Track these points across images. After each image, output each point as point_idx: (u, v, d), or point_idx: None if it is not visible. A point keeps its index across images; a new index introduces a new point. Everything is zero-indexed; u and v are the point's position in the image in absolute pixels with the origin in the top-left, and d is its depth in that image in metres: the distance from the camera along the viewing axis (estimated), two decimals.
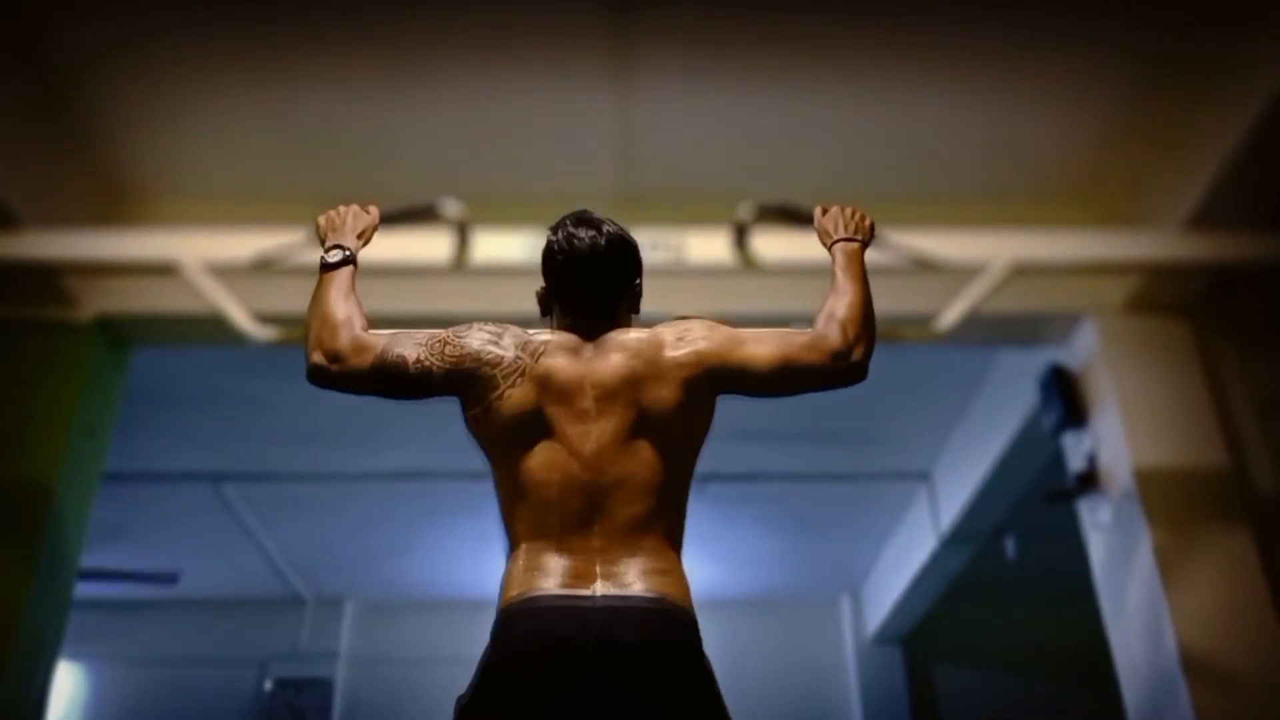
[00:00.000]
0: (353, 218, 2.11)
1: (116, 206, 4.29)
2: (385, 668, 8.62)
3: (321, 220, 2.13)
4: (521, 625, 1.69)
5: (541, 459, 1.79)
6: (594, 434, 1.80)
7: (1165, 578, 3.91)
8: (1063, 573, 5.73)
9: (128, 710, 8.42)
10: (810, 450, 6.19)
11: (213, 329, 3.97)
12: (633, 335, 1.91)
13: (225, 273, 3.78)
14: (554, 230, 1.93)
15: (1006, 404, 5.18)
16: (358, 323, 1.90)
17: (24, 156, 3.96)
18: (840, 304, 1.97)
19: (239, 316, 3.74)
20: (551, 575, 1.71)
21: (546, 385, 1.82)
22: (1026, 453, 5.17)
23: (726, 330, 1.93)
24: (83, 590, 6.25)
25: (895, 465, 6.51)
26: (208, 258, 3.72)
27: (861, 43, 3.88)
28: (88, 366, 4.31)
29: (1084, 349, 4.42)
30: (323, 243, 2.08)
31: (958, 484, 6.05)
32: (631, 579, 1.72)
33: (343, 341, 1.87)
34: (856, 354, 1.91)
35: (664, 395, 1.84)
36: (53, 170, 4.13)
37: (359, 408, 5.43)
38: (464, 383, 1.84)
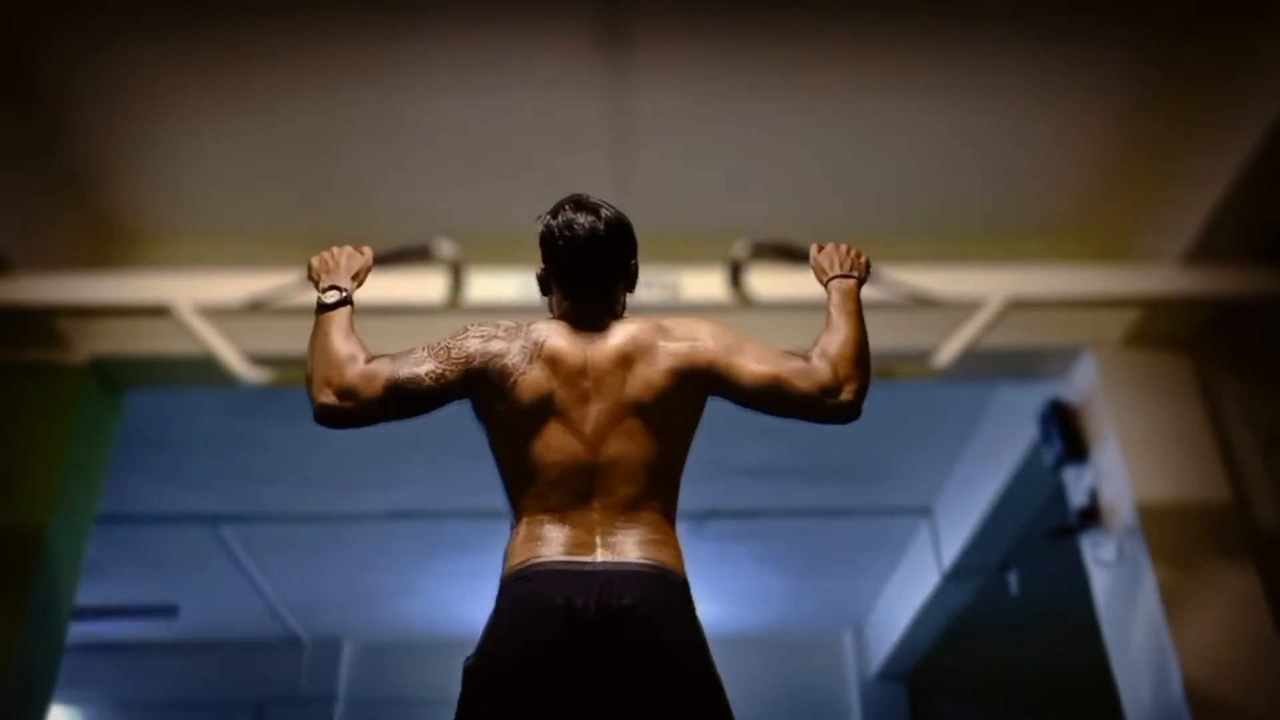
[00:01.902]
0: (346, 259, 2.10)
1: (108, 248, 4.29)
2: (385, 710, 8.52)
3: (314, 261, 2.11)
4: (524, 589, 1.76)
5: (548, 439, 1.86)
6: (593, 414, 1.87)
7: (1169, 614, 3.86)
8: (1067, 608, 5.68)
9: None
10: (810, 486, 6.15)
11: (207, 371, 3.95)
12: (634, 322, 1.98)
13: (218, 314, 3.77)
14: (553, 214, 1.99)
15: (1007, 439, 5.15)
16: (361, 357, 1.90)
17: (14, 200, 3.95)
18: (833, 341, 1.95)
19: (232, 359, 3.73)
20: (553, 544, 1.79)
21: (555, 368, 1.89)
22: (1027, 487, 5.13)
23: (730, 336, 1.96)
24: (79, 632, 6.23)
25: (896, 501, 6.46)
26: (200, 300, 3.71)
27: (857, 81, 3.88)
28: (81, 409, 4.30)
29: (1084, 383, 4.39)
30: (316, 284, 2.07)
31: (959, 519, 6.00)
32: (629, 548, 1.79)
33: (351, 377, 1.88)
34: (846, 393, 1.90)
35: (652, 380, 1.90)
36: (43, 213, 4.13)
37: (355, 448, 5.47)
38: (477, 380, 1.89)
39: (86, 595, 5.63)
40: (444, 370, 1.88)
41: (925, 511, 6.53)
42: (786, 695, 8.55)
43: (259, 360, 3.84)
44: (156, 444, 5.48)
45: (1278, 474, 4.19)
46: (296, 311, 3.51)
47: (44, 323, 4.12)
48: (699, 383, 1.92)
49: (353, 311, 2.01)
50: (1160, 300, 4.02)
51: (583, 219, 1.96)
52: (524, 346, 1.90)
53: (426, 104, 3.87)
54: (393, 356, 1.90)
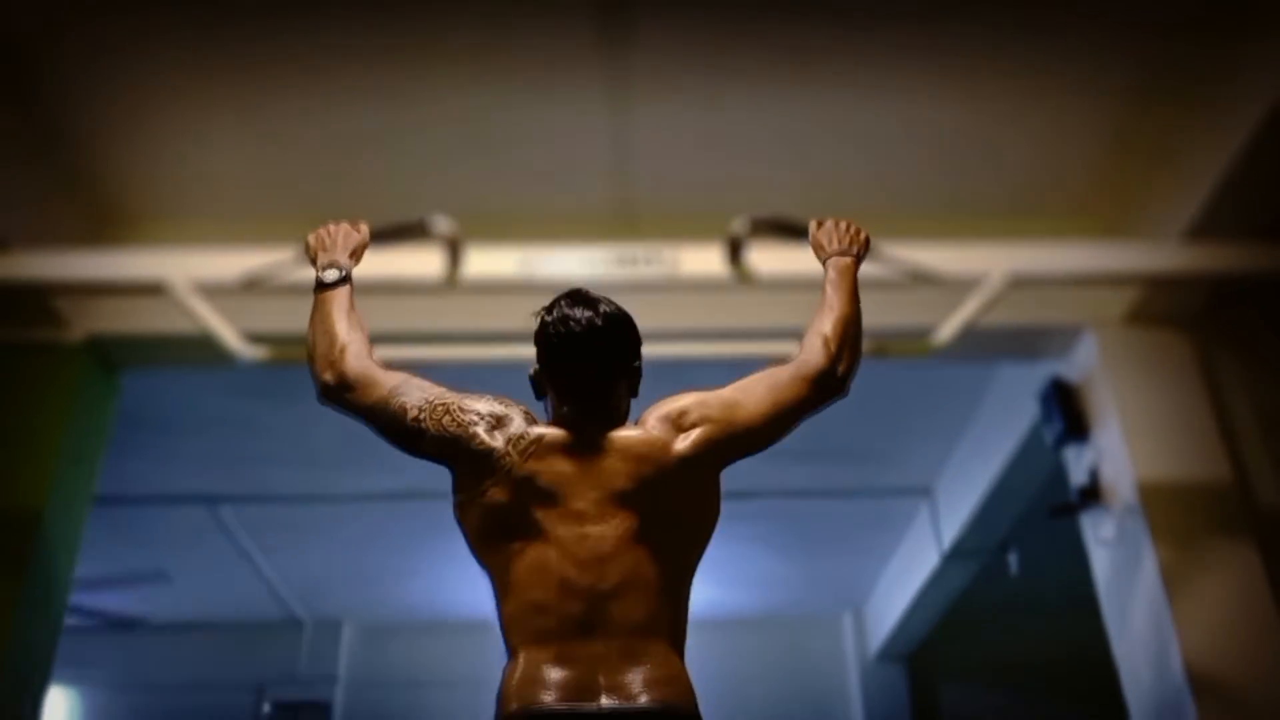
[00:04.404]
0: (343, 236, 2.09)
1: (104, 228, 4.26)
2: (385, 690, 8.55)
3: (311, 239, 2.11)
4: None
5: (531, 562, 1.72)
6: (593, 536, 1.72)
7: (1170, 593, 3.86)
8: (1067, 588, 5.68)
9: None
10: (810, 467, 6.12)
11: (203, 350, 3.93)
12: (636, 435, 1.82)
13: (214, 292, 3.75)
14: (548, 310, 1.85)
15: (1007, 418, 5.13)
16: (366, 348, 1.89)
17: (8, 178, 3.93)
18: (827, 320, 1.96)
19: (228, 336, 3.71)
20: (552, 688, 1.63)
21: (532, 487, 1.75)
22: (1028, 467, 5.12)
23: (719, 399, 1.88)
24: (77, 611, 6.24)
25: (896, 481, 6.45)
26: (196, 277, 3.68)
27: (857, 57, 3.85)
28: (77, 388, 4.28)
29: (1084, 362, 4.38)
30: (314, 261, 2.06)
31: (959, 499, 6.00)
32: (637, 689, 1.63)
33: (354, 368, 1.87)
34: (840, 370, 1.92)
35: (680, 496, 1.79)
36: (41, 193, 4.10)
37: (355, 428, 5.44)
38: (452, 461, 1.80)
39: (84, 574, 5.64)
40: (426, 425, 1.80)
41: (925, 492, 6.53)
42: (786, 677, 8.58)
43: (255, 339, 3.82)
44: (155, 425, 5.46)
45: (1278, 453, 4.18)
46: (293, 289, 3.49)
47: (40, 301, 4.10)
48: (720, 465, 1.85)
49: (352, 290, 2.00)
50: (1161, 276, 3.99)
51: (579, 314, 1.82)
52: (505, 457, 1.76)
53: (424, 79, 3.83)
54: (406, 379, 1.86)
